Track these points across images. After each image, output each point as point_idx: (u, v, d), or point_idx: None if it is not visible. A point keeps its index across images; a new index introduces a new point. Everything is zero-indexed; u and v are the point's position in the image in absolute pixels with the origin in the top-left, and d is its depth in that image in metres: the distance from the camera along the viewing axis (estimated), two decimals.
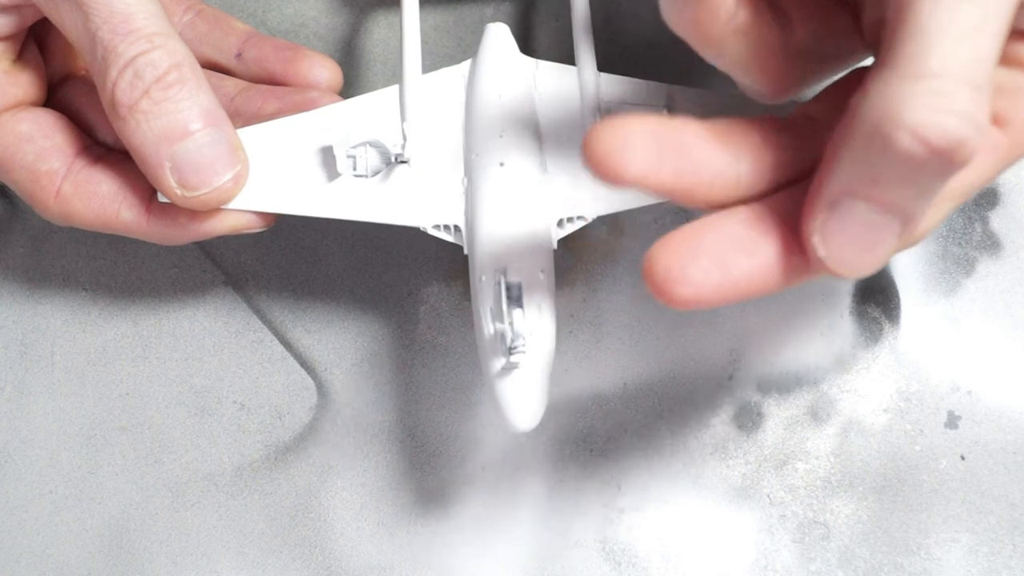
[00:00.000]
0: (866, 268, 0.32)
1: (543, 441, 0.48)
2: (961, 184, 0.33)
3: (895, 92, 0.28)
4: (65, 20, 0.39)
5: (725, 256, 0.31)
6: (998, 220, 0.50)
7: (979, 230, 0.49)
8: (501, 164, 0.41)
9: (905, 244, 0.33)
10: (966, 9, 0.28)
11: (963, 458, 0.47)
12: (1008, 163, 0.34)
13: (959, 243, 0.49)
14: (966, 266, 0.49)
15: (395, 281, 0.50)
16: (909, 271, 0.49)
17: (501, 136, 0.41)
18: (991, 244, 0.49)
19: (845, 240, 0.31)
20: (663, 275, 0.31)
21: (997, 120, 0.33)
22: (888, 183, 0.29)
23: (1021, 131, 0.33)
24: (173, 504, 0.48)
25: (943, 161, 0.28)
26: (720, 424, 0.48)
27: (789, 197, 0.33)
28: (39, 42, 0.44)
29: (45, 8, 0.40)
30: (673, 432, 0.48)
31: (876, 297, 0.49)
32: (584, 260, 0.49)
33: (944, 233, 0.49)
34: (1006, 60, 0.33)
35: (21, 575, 0.48)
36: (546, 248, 0.40)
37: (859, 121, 0.29)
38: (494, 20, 0.46)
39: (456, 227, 0.41)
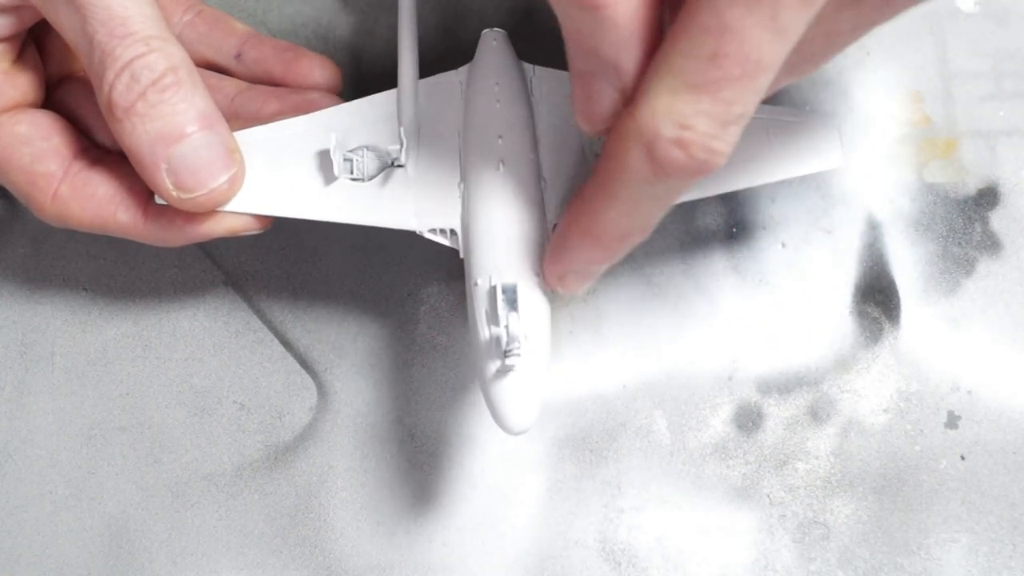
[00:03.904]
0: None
1: (543, 441, 0.48)
2: None
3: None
4: (63, 22, 0.39)
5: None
6: (998, 220, 0.49)
7: (979, 230, 0.49)
8: (498, 169, 0.41)
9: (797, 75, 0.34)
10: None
11: (963, 458, 0.47)
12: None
13: (959, 243, 0.49)
14: (966, 266, 0.49)
15: (395, 281, 0.50)
16: (909, 271, 0.49)
17: (498, 142, 0.41)
18: (991, 244, 0.49)
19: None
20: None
21: None
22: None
23: None
24: (173, 504, 0.48)
25: None
26: (720, 424, 0.48)
27: None
28: (37, 44, 0.44)
29: (43, 10, 0.40)
30: (673, 432, 0.48)
31: (876, 297, 0.49)
32: None
33: (944, 233, 0.49)
34: None
35: (21, 575, 0.48)
36: (541, 252, 0.40)
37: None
38: (492, 24, 0.46)
39: (452, 231, 0.41)
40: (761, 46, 0.29)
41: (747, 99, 0.30)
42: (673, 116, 0.30)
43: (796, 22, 0.29)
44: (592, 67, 0.32)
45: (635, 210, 0.34)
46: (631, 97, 0.32)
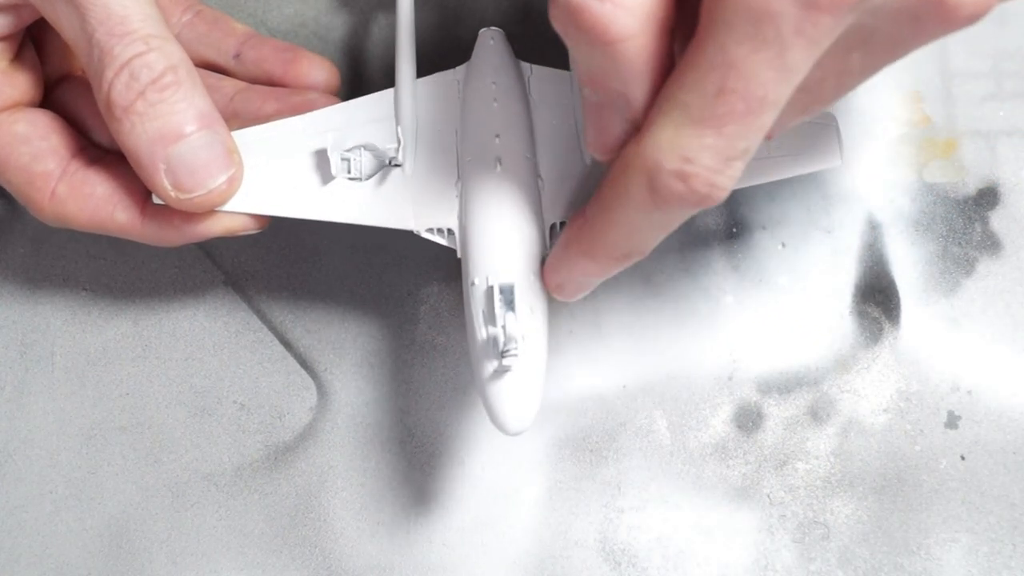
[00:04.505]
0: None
1: (543, 441, 0.48)
2: None
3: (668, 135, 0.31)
4: (62, 21, 0.39)
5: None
6: (998, 220, 0.49)
7: (979, 230, 0.49)
8: (495, 169, 0.40)
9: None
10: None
11: (963, 458, 0.47)
12: None
13: (959, 243, 0.49)
14: (966, 266, 0.49)
15: (395, 281, 0.50)
16: (909, 271, 0.49)
17: (495, 141, 0.41)
18: (991, 244, 0.49)
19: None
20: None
21: None
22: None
23: None
24: (173, 504, 0.48)
25: None
26: (720, 424, 0.48)
27: None
28: (36, 43, 0.44)
29: (42, 8, 0.40)
30: (673, 432, 0.48)
31: (876, 297, 0.49)
32: None
33: (944, 233, 0.49)
34: None
35: (21, 575, 0.48)
36: (539, 252, 0.40)
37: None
38: (490, 23, 0.46)
39: (449, 230, 0.41)
40: (766, 84, 0.29)
41: (751, 135, 0.30)
42: (676, 149, 0.30)
43: (802, 61, 0.29)
44: (603, 99, 0.33)
45: (633, 234, 0.34)
46: (640, 127, 0.32)
